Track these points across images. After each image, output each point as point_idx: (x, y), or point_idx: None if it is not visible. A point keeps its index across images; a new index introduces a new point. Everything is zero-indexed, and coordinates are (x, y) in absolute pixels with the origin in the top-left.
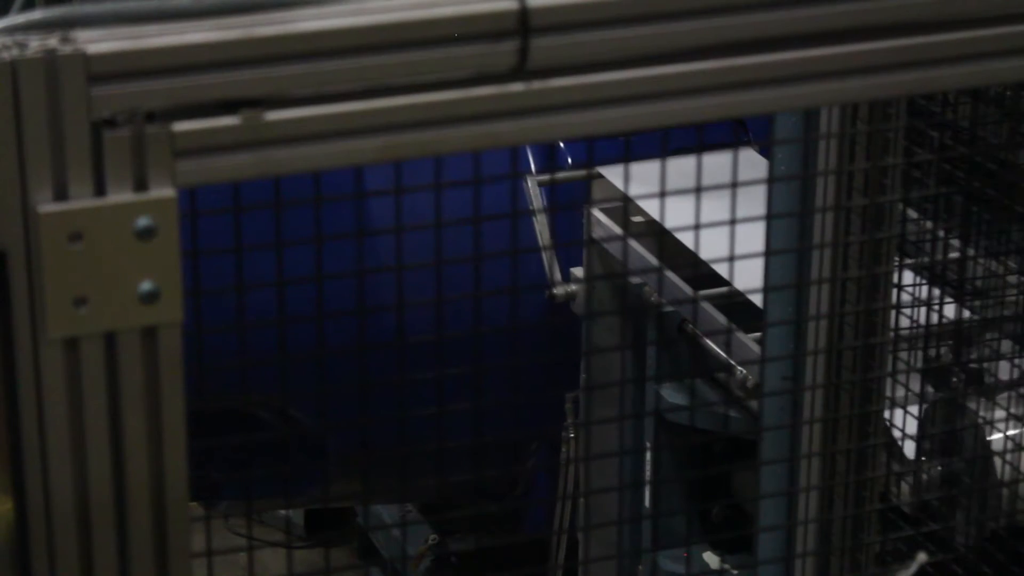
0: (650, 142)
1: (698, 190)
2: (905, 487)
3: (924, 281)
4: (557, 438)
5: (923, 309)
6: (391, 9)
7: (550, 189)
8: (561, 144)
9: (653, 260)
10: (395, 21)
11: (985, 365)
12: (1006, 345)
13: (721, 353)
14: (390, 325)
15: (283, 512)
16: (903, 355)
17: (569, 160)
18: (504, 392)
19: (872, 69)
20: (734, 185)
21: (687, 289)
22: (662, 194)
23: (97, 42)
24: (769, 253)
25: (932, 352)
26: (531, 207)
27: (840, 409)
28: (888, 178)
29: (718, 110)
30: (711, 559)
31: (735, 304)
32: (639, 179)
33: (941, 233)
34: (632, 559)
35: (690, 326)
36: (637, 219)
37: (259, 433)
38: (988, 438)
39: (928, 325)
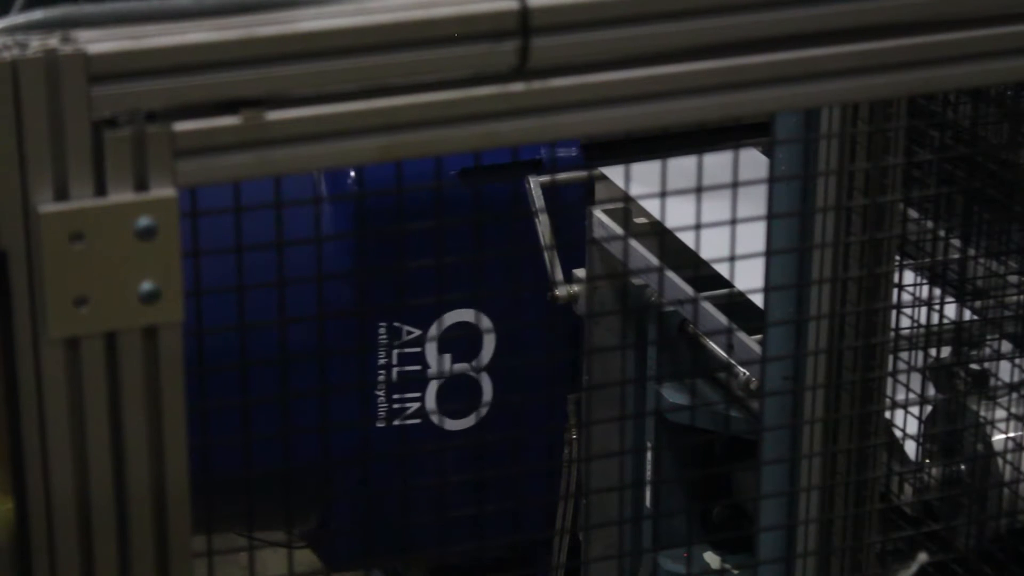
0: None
1: (699, 190)
2: (906, 487)
3: (925, 281)
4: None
5: (924, 309)
6: (391, 9)
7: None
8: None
9: (654, 260)
10: (395, 21)
11: (986, 365)
12: (1006, 345)
13: (722, 353)
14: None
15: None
16: (904, 355)
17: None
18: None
19: (872, 69)
20: (735, 185)
21: (688, 289)
22: (663, 194)
23: (98, 42)
24: (770, 253)
25: (933, 352)
26: (534, 208)
27: (841, 409)
28: (889, 178)
29: (718, 110)
30: (712, 559)
31: (736, 304)
32: (640, 179)
33: (942, 233)
34: (633, 559)
35: (691, 326)
36: (640, 220)
37: None
38: (988, 439)
39: (929, 325)
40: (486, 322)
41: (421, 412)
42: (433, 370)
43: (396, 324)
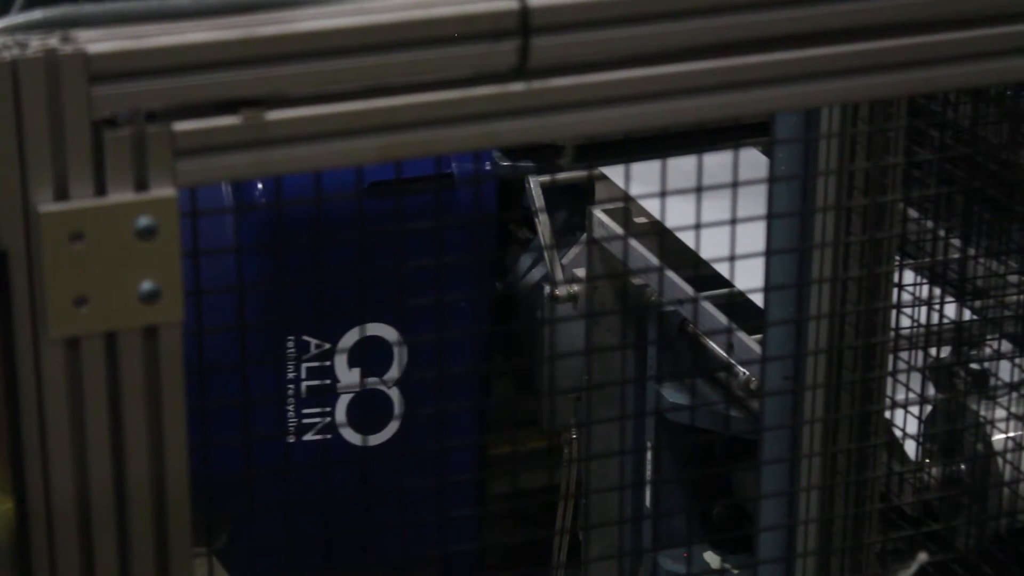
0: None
1: (699, 190)
2: (906, 487)
3: (925, 281)
4: None
5: (924, 309)
6: (391, 9)
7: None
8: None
9: (654, 260)
10: (395, 21)
11: (986, 365)
12: (1006, 345)
13: (722, 353)
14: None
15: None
16: (904, 355)
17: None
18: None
19: (872, 69)
20: (734, 185)
21: (688, 289)
22: (663, 194)
23: (97, 42)
24: (770, 253)
25: (933, 352)
26: (534, 208)
27: (841, 409)
28: (889, 178)
29: (718, 110)
30: (712, 559)
31: (736, 304)
32: (640, 179)
33: (942, 233)
34: (633, 559)
35: (691, 326)
36: (640, 220)
37: None
38: (988, 439)
39: (929, 325)
40: (397, 336)
41: (331, 427)
42: (343, 384)
43: (304, 338)
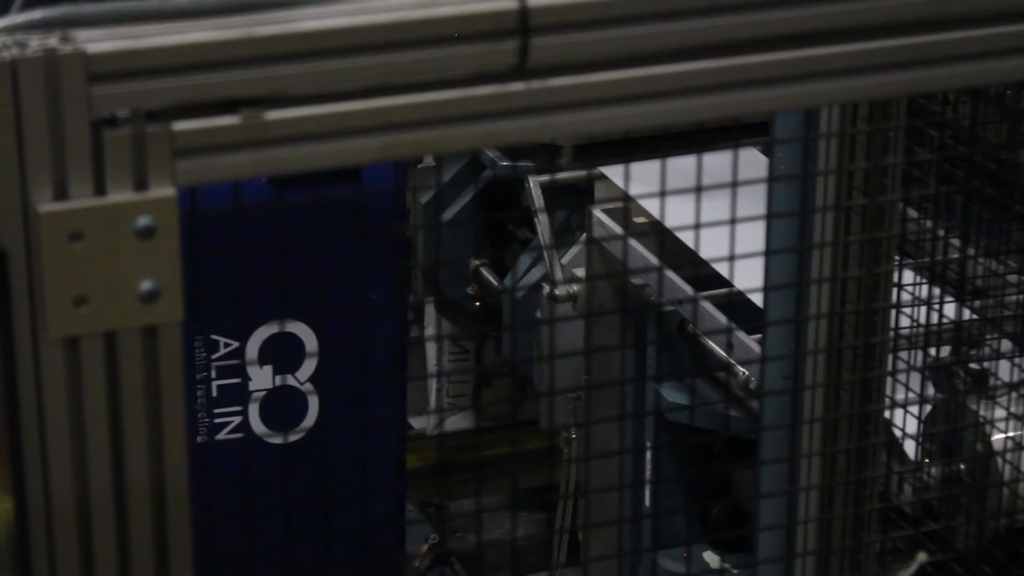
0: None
1: (698, 190)
2: (906, 486)
3: (924, 280)
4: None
5: (923, 308)
6: (391, 9)
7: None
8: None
9: (654, 260)
10: (395, 21)
11: (985, 365)
12: (1006, 344)
13: (721, 353)
14: None
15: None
16: (903, 354)
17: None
18: None
19: (872, 69)
20: (734, 184)
21: (688, 289)
22: (662, 193)
23: (97, 41)
24: (769, 253)
25: (932, 351)
26: (533, 208)
27: (840, 409)
28: (888, 177)
29: (718, 110)
30: (711, 558)
31: (735, 304)
32: (639, 179)
33: (941, 232)
34: (632, 559)
35: (690, 326)
36: (640, 220)
37: None
38: (988, 438)
39: (928, 325)
40: (308, 333)
41: (243, 427)
42: (254, 383)
43: (213, 337)
